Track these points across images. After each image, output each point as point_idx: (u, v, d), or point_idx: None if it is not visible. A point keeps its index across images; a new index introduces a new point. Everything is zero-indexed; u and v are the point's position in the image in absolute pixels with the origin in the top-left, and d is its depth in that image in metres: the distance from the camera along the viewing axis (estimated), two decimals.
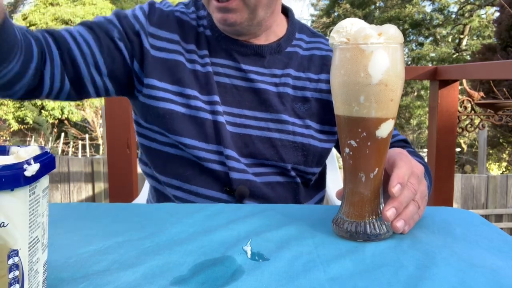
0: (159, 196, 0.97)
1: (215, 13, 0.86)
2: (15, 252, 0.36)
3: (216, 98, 0.88)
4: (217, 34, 0.93)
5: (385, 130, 0.58)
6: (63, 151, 9.93)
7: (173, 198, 0.92)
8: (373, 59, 0.55)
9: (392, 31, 0.56)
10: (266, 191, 0.89)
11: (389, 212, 0.58)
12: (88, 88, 0.88)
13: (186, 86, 0.88)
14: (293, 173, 0.92)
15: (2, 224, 0.35)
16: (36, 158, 0.37)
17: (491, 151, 10.05)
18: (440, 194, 2.11)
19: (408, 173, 0.61)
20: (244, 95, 0.91)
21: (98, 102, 9.33)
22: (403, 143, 0.98)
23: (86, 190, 4.73)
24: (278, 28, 0.97)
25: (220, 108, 0.88)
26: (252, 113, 0.90)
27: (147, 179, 1.01)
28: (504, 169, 10.41)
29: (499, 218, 4.57)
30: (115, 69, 0.88)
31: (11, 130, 11.08)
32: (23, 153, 0.41)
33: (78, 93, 0.88)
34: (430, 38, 15.29)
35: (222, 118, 0.87)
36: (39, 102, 10.97)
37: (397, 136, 0.99)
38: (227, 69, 0.92)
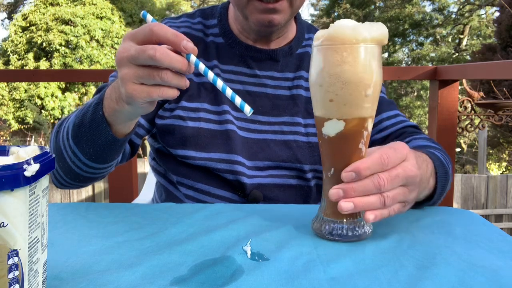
0: (167, 195, 0.96)
1: (256, 14, 0.85)
2: (14, 252, 0.36)
3: (226, 107, 0.89)
4: (231, 41, 0.94)
5: (330, 129, 0.58)
6: None
7: (182, 198, 0.91)
8: (313, 60, 0.59)
9: (330, 30, 0.56)
10: (277, 193, 0.89)
11: (333, 190, 0.56)
12: (138, 142, 0.93)
13: (195, 101, 0.89)
14: (309, 175, 0.91)
15: (2, 224, 0.35)
16: (36, 158, 0.37)
17: (491, 151, 10.05)
18: None
19: (375, 167, 0.56)
20: (257, 100, 0.91)
21: None
22: (413, 129, 0.93)
23: (86, 190, 4.73)
24: (290, 31, 0.97)
25: (230, 116, 0.88)
26: (266, 118, 0.91)
27: (156, 177, 1.01)
28: (504, 169, 10.41)
29: (499, 218, 4.57)
30: (150, 115, 0.91)
31: (11, 130, 11.07)
32: (23, 153, 0.41)
33: (133, 151, 0.94)
34: (430, 38, 15.29)
35: (232, 126, 0.88)
36: (39, 102, 10.97)
37: (405, 122, 0.94)
38: (240, 75, 0.92)
